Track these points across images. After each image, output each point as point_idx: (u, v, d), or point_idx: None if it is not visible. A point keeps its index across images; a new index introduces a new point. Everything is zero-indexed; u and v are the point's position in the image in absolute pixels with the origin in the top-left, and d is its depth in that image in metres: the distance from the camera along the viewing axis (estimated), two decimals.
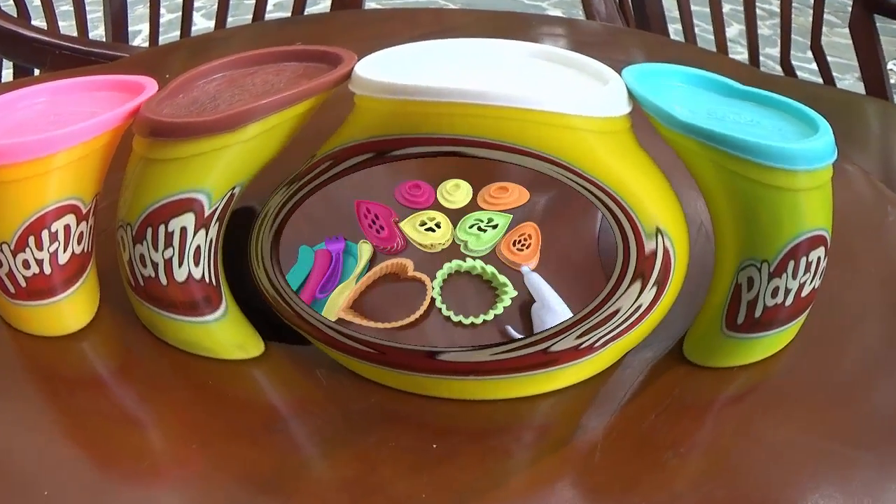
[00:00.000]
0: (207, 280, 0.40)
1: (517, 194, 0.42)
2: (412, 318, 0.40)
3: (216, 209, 0.39)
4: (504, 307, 0.40)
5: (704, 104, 0.41)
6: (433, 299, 0.40)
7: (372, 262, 0.41)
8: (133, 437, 0.37)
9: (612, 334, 0.39)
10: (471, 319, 0.40)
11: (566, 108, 0.36)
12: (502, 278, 0.40)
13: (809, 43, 0.94)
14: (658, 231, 0.37)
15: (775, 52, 0.93)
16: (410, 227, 0.41)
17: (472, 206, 0.41)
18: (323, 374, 0.41)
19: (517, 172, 0.38)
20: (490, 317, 0.40)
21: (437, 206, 0.42)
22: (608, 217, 0.37)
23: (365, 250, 0.41)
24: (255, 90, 0.38)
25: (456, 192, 0.41)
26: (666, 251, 0.38)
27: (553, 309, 0.39)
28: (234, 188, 0.39)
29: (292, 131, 0.39)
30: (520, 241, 0.41)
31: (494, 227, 0.41)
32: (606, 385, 0.41)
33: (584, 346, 0.39)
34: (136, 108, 0.40)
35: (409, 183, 0.41)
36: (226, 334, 0.41)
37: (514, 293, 0.40)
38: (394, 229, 0.41)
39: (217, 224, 0.39)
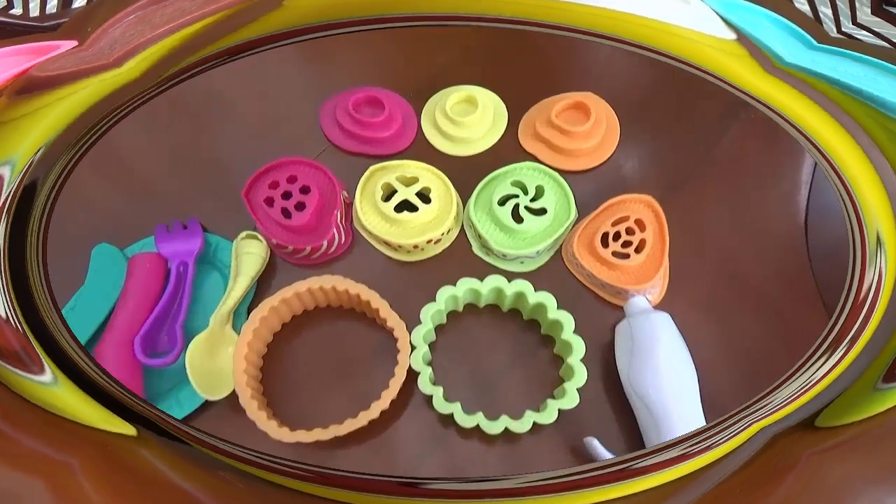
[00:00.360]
0: (14, 323, 0.27)
1: (611, 121, 0.20)
2: (362, 420, 0.19)
3: (11, 191, 0.26)
4: (579, 388, 0.20)
5: (803, 52, 0.31)
6: (412, 372, 0.20)
7: (263, 286, 0.20)
8: (71, 483, 0.29)
9: (745, 425, 0.24)
10: (504, 424, 0.19)
11: (655, 14, 0.21)
12: (569, 321, 0.20)
13: (850, 19, 0.86)
14: (878, 241, 0.22)
15: (828, 11, 0.84)
16: (366, 201, 0.22)
17: (506, 151, 0.21)
18: (232, 478, 0.27)
19: (608, 73, 0.21)
20: (549, 417, 0.19)
21: (423, 151, 0.22)
22: (837, 195, 0.20)
23: (249, 255, 0.21)
24: (159, 22, 0.28)
25: (467, 115, 0.22)
26: (879, 278, 0.22)
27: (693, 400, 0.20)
28: (39, 149, 0.27)
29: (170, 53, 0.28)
30: (619, 235, 0.20)
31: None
32: (709, 471, 0.28)
33: (695, 450, 0.23)
34: (21, 72, 0.32)
35: (355, 93, 0.22)
36: (78, 405, 0.30)
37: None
38: (319, 204, 0.21)
39: (6, 220, 0.26)
